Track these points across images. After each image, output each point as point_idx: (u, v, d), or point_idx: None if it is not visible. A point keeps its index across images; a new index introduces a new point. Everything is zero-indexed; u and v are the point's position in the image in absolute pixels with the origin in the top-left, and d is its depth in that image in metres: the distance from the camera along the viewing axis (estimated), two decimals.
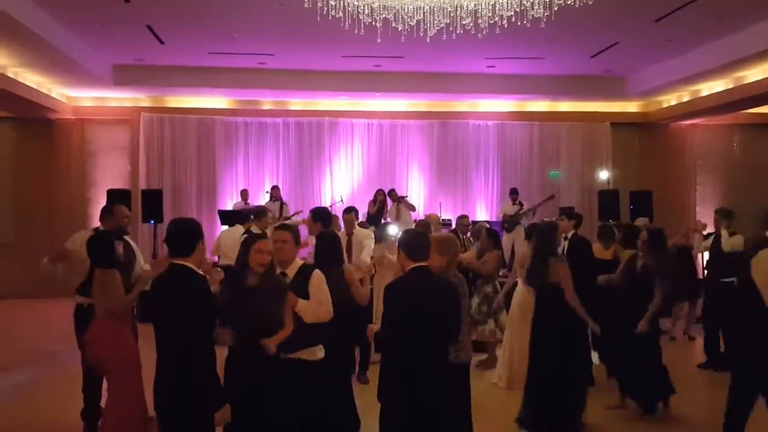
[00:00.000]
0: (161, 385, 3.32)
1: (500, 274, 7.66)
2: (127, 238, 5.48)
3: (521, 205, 11.89)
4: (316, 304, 3.93)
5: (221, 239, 8.04)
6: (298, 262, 4.12)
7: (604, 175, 13.27)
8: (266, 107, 13.27)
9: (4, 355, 8.05)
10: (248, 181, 13.07)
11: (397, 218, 10.79)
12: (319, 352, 4.02)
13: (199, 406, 3.25)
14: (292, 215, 11.65)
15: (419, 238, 3.80)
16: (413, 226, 9.04)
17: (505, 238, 11.12)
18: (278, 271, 3.97)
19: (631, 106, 13.68)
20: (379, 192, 11.65)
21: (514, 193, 12.15)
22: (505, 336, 6.56)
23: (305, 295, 3.93)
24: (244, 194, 12.31)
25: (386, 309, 3.62)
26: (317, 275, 4.05)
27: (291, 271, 4.03)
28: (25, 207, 12.57)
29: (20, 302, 11.41)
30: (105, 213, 5.55)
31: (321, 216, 5.47)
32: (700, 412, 5.85)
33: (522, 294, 6.15)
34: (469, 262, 6.90)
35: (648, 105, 13.56)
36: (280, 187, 12.38)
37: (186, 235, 3.41)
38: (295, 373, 3.85)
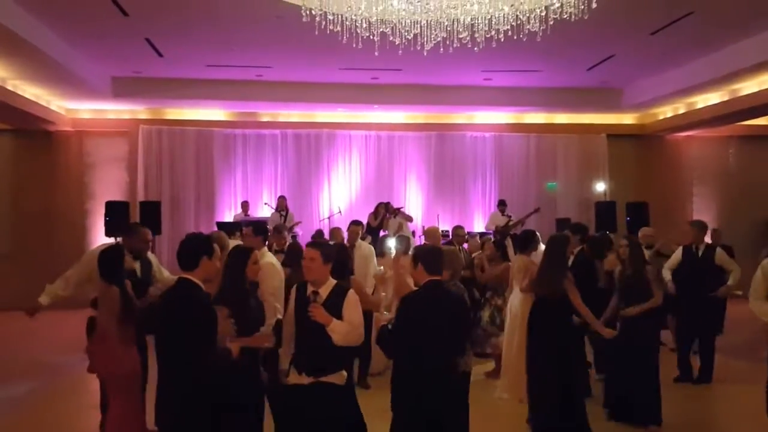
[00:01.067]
0: (161, 399, 3.33)
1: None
2: (150, 255, 5.48)
3: (509, 217, 11.93)
4: (349, 326, 3.76)
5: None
6: (332, 281, 3.90)
7: (600, 186, 13.33)
8: (264, 119, 13.32)
9: (5, 367, 8.03)
10: (246, 192, 13.08)
11: (398, 231, 10.78)
12: (343, 376, 3.85)
13: (196, 419, 3.25)
14: (293, 225, 11.68)
15: (437, 253, 3.96)
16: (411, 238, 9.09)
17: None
18: (310, 290, 3.85)
19: (628, 118, 13.75)
20: (380, 205, 11.64)
21: (502, 204, 12.19)
22: (506, 348, 6.47)
23: (338, 316, 3.77)
24: (245, 206, 12.33)
25: (401, 320, 3.76)
26: (352, 296, 3.87)
27: (324, 291, 3.83)
28: (24, 218, 12.57)
29: (19, 314, 11.27)
30: (128, 230, 5.54)
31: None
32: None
33: (522, 304, 6.11)
34: (486, 276, 7.18)
35: (644, 117, 13.64)
36: (278, 198, 12.40)
37: (191, 250, 3.46)
38: (328, 397, 3.73)
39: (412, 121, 13.56)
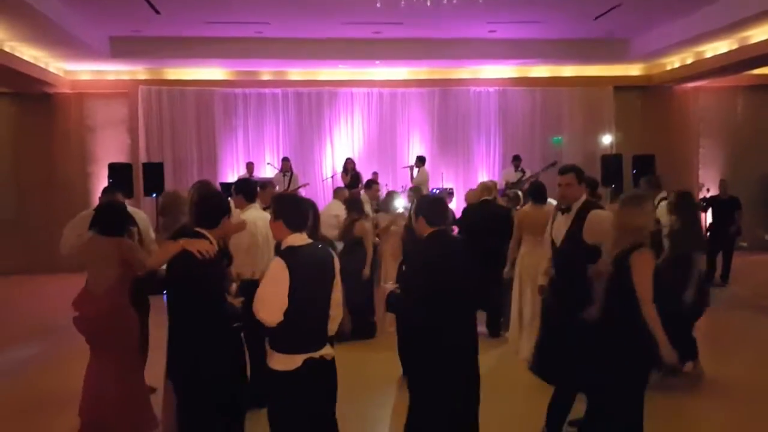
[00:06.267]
0: (175, 352, 3.37)
1: None
2: (138, 213, 5.46)
3: (523, 172, 11.83)
4: None
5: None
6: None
7: (607, 139, 13.18)
8: (265, 77, 13.14)
9: (11, 329, 8.13)
10: (249, 153, 13.01)
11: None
12: None
13: (213, 370, 3.30)
14: (299, 187, 11.65)
15: (438, 203, 3.86)
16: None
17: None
18: None
19: (634, 69, 13.52)
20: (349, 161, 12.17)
21: (516, 159, 12.10)
22: (513, 304, 6.40)
23: None
24: (250, 167, 12.25)
25: (410, 274, 3.78)
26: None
27: None
28: (26, 183, 12.53)
29: (21, 278, 11.48)
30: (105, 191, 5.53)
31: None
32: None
33: (532, 256, 6.00)
34: None
35: (651, 68, 13.40)
36: (280, 158, 12.34)
37: (215, 211, 3.50)
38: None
39: (414, 77, 13.36)
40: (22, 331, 8.01)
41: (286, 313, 3.18)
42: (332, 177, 12.74)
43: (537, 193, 6.25)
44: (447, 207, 3.97)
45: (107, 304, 4.46)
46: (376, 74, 13.22)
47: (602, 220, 4.16)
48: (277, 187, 11.69)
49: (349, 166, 12.11)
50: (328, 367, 3.34)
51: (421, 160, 12.26)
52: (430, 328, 3.56)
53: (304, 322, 3.22)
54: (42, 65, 11.22)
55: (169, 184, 11.93)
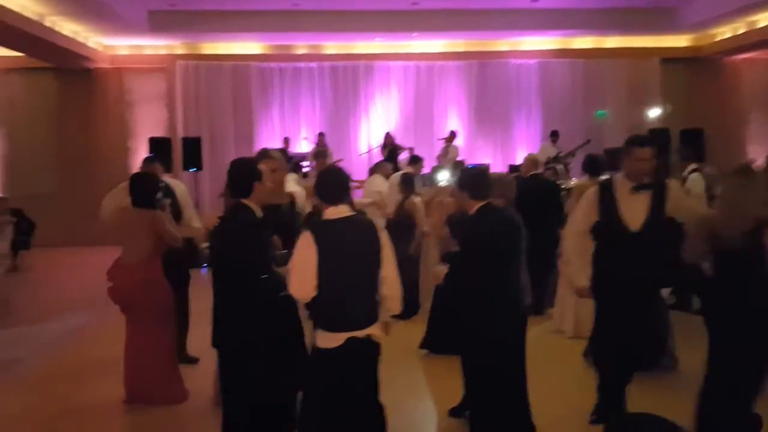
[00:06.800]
0: (222, 320, 3.35)
1: None
2: (176, 184, 5.43)
3: (559, 149, 11.55)
4: None
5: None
6: None
7: (655, 113, 12.74)
8: (301, 51, 13.03)
9: (55, 301, 8.28)
10: (284, 128, 12.96)
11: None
12: None
13: (259, 336, 3.27)
14: (335, 162, 11.54)
15: (481, 176, 3.73)
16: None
17: None
18: None
19: (682, 40, 13.02)
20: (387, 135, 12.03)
21: (554, 135, 11.81)
22: (561, 282, 6.19)
23: None
24: (286, 142, 12.21)
25: (463, 250, 3.66)
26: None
27: None
28: (67, 157, 12.73)
29: (63, 250, 11.73)
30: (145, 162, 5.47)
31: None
32: None
33: None
34: None
35: (700, 38, 12.88)
36: (315, 133, 12.26)
37: (242, 178, 3.41)
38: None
39: (452, 50, 13.08)
40: (65, 302, 8.14)
41: (319, 289, 3.05)
42: (368, 152, 12.62)
43: (594, 165, 5.97)
44: (490, 179, 3.82)
45: (139, 275, 4.48)
46: (412, 47, 12.99)
47: (685, 190, 3.79)
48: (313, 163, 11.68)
49: (387, 141, 11.95)
50: (373, 349, 3.14)
51: (452, 135, 12.02)
52: (482, 297, 3.52)
53: (341, 299, 3.06)
54: (82, 40, 11.31)
55: (206, 159, 11.98)
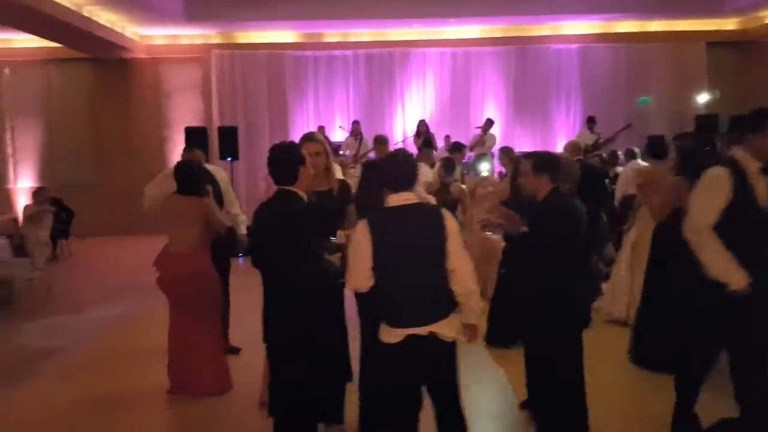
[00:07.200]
0: (272, 314, 3.26)
1: None
2: (216, 175, 5.36)
3: (598, 135, 11.22)
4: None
5: None
6: None
7: (703, 98, 12.32)
8: (335, 39, 12.90)
9: (94, 290, 8.33)
10: (319, 117, 12.87)
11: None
12: None
13: (309, 329, 3.18)
14: (368, 152, 11.41)
15: (558, 160, 3.72)
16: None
17: None
18: None
19: (729, 24, 12.58)
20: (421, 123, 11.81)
21: (591, 121, 11.51)
22: (620, 266, 5.85)
23: None
24: (321, 131, 12.09)
25: (536, 232, 3.62)
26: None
27: None
28: (105, 147, 12.84)
29: (101, 239, 11.86)
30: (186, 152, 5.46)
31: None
32: None
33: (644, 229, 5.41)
34: None
35: (748, 21, 12.40)
36: (350, 122, 12.13)
37: (287, 164, 3.25)
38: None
39: (489, 36, 12.80)
40: (106, 291, 8.19)
41: (376, 280, 2.89)
42: (403, 141, 12.45)
43: (659, 147, 5.50)
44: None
45: (189, 265, 4.41)
46: (448, 34, 12.76)
47: None
48: (348, 151, 11.57)
49: (421, 129, 11.78)
50: (442, 349, 2.88)
51: (488, 124, 11.77)
52: (553, 279, 3.45)
53: (397, 291, 2.87)
54: (118, 29, 11.35)
55: (243, 149, 11.96)
